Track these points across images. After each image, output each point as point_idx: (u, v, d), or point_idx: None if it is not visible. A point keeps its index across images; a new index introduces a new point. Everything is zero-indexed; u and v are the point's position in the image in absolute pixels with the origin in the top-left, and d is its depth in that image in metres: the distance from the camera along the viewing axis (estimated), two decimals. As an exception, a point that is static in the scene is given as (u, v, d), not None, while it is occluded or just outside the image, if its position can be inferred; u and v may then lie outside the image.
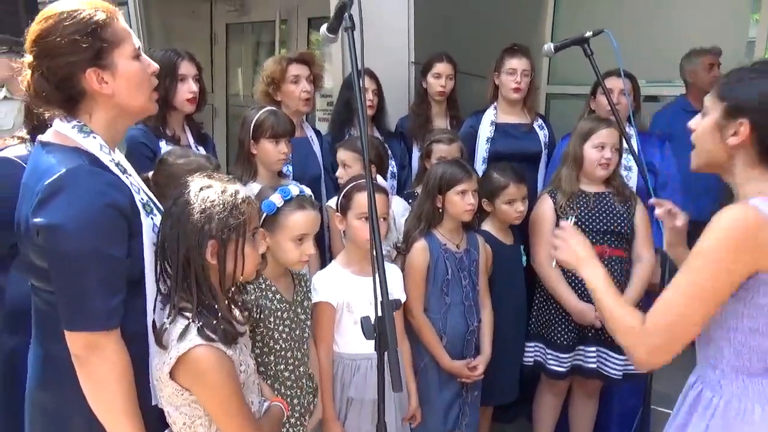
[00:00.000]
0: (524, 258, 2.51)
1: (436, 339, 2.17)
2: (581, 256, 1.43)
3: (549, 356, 2.41)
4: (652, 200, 1.75)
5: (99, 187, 1.20)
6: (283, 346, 1.75)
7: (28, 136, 1.72)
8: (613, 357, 2.35)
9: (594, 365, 2.36)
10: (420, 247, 2.17)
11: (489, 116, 2.83)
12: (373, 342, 1.21)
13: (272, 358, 1.73)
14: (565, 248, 1.47)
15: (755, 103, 1.20)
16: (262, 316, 1.69)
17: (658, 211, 1.67)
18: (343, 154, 2.48)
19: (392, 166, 2.82)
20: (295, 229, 1.71)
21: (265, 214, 1.69)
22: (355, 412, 1.93)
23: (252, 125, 2.28)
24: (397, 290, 2.07)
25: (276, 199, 1.71)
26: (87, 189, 1.18)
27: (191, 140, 2.45)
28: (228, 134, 5.16)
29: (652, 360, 1.23)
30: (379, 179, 2.23)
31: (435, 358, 2.18)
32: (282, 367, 1.74)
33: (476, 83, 3.24)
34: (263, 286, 1.73)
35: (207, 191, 1.27)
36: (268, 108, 2.36)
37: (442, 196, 2.18)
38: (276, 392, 1.70)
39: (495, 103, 2.86)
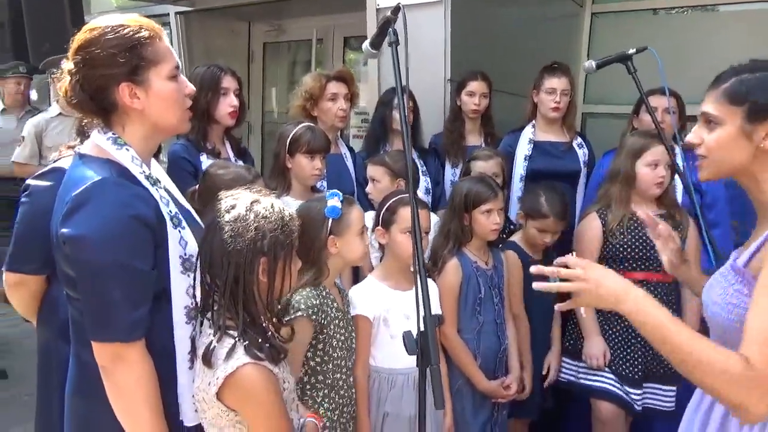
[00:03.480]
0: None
1: (472, 360, 2.14)
2: (618, 291, 1.15)
3: (581, 373, 2.34)
4: (640, 214, 1.65)
5: (124, 198, 1.21)
6: (340, 354, 1.76)
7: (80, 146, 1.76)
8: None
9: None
10: (453, 265, 2.13)
11: (527, 134, 2.81)
12: (410, 357, 1.19)
13: (330, 366, 1.73)
14: (591, 288, 1.16)
15: None
16: (325, 323, 1.70)
17: (660, 228, 1.59)
18: (372, 170, 2.48)
19: (426, 182, 2.81)
20: (358, 223, 1.78)
21: (330, 221, 1.72)
22: (391, 427, 1.90)
23: (289, 140, 2.30)
24: (435, 306, 2.04)
25: (336, 202, 1.74)
26: (112, 201, 1.19)
27: (231, 154, 2.48)
28: (263, 150, 5.23)
29: None
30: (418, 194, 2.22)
31: (471, 380, 2.14)
32: (338, 375, 1.75)
33: (512, 101, 3.23)
34: (324, 294, 1.74)
35: (257, 206, 1.27)
36: (306, 124, 2.38)
37: (468, 214, 2.15)
38: (330, 400, 1.71)
39: (533, 121, 2.84)
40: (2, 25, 4.92)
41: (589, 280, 1.17)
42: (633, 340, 2.25)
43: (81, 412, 1.31)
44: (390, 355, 1.90)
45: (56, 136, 3.63)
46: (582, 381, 2.34)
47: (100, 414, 1.25)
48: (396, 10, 1.35)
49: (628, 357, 2.26)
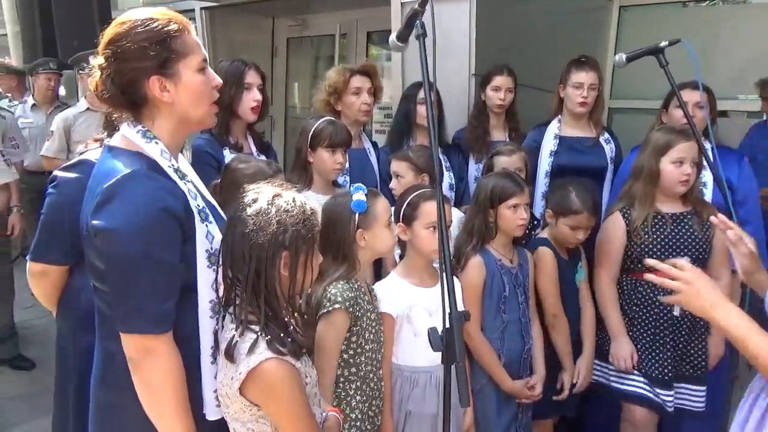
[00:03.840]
0: (581, 273, 2.39)
1: (496, 360, 2.10)
2: (714, 301, 1.30)
3: (612, 376, 2.30)
4: (713, 219, 1.64)
5: (154, 191, 1.22)
6: (372, 347, 1.75)
7: (108, 139, 1.78)
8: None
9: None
10: (476, 263, 2.10)
11: (553, 129, 2.77)
12: (434, 355, 1.18)
13: (363, 358, 1.73)
14: (692, 292, 1.33)
15: None
16: (359, 315, 1.70)
17: (729, 233, 1.56)
18: (396, 165, 2.46)
19: (450, 178, 2.79)
20: (385, 215, 1.77)
21: (357, 215, 1.72)
22: (413, 426, 1.89)
23: (310, 134, 2.30)
24: (459, 303, 2.02)
25: (361, 196, 1.73)
26: (142, 193, 1.20)
27: (253, 148, 2.49)
28: (285, 145, 5.25)
29: None
30: None
31: (495, 380, 2.10)
32: (369, 368, 1.75)
33: (537, 95, 3.18)
34: (356, 287, 1.73)
35: (279, 200, 1.26)
36: (327, 118, 2.38)
37: (493, 210, 2.11)
38: (362, 393, 1.71)
39: (559, 116, 2.79)
40: (32, 22, 5.03)
41: (692, 284, 1.34)
42: (661, 341, 2.20)
43: (107, 404, 1.32)
44: (413, 353, 1.88)
45: (84, 131, 3.68)
46: (613, 384, 2.29)
47: (126, 405, 1.26)
48: (423, 2, 1.33)
49: (658, 358, 2.20)
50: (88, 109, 3.76)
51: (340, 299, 1.65)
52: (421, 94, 2.70)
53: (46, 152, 3.86)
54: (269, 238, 1.22)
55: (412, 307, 1.88)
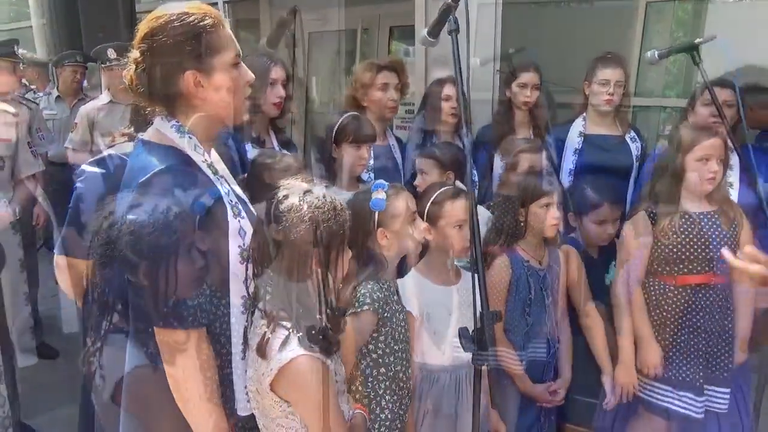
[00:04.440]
0: (613, 272, 2.35)
1: (517, 363, 2.07)
2: None
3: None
4: None
5: (188, 187, 1.22)
6: (401, 347, 1.74)
7: (135, 133, 1.78)
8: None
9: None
10: (501, 263, 2.07)
11: (577, 127, 2.73)
12: (453, 354, 1.17)
13: (392, 358, 1.71)
14: None
15: None
16: (388, 315, 1.69)
17: None
18: (421, 162, 2.44)
19: (474, 175, 2.76)
20: (407, 211, 1.74)
21: (377, 214, 1.70)
22: (432, 424, 1.88)
23: (335, 129, 2.30)
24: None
25: (380, 194, 1.71)
26: (176, 189, 1.20)
27: (275, 144, 2.49)
28: (305, 140, 5.25)
29: None
30: (459, 184, 2.18)
31: (515, 382, 2.08)
32: (399, 367, 1.74)
33: (562, 92, 3.14)
34: (386, 287, 1.72)
35: (310, 197, 1.26)
36: (351, 113, 2.39)
37: (524, 209, 2.08)
38: (392, 392, 1.70)
39: (584, 114, 2.75)
40: (57, 15, 5.09)
41: None
42: (694, 346, 2.15)
43: (140, 397, 1.33)
44: (432, 352, 1.86)
45: (106, 124, 3.70)
46: (640, 394, 2.22)
47: (158, 399, 1.26)
48: (457, -1, 1.31)
49: (690, 363, 2.15)
50: (111, 101, 3.79)
51: (369, 300, 1.63)
52: (446, 91, 2.69)
53: (69, 144, 3.89)
54: (302, 235, 1.22)
55: (432, 305, 1.87)
